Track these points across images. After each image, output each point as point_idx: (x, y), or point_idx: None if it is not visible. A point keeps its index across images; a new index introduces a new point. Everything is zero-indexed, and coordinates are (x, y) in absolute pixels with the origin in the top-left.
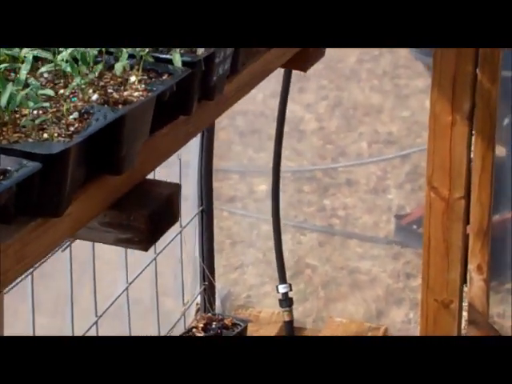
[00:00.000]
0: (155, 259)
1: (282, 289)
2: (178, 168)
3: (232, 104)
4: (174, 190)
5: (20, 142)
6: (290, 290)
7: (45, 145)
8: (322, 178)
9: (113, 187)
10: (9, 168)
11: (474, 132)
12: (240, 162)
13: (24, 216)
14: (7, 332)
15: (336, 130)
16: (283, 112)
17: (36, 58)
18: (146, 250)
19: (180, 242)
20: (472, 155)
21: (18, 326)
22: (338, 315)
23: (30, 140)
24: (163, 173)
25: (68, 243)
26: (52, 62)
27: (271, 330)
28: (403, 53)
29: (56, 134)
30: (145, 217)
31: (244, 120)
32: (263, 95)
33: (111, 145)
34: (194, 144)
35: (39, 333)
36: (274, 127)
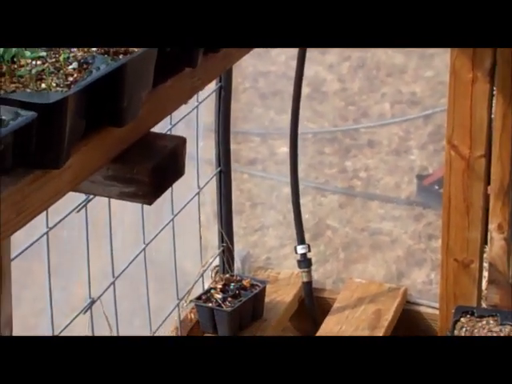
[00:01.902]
0: (172, 220)
1: (301, 249)
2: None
3: (240, 57)
4: (179, 142)
5: (17, 92)
6: (309, 250)
7: (42, 94)
8: (343, 140)
9: (115, 139)
10: (3, 117)
11: (495, 90)
12: (261, 124)
13: (24, 168)
14: (24, 293)
15: (358, 90)
16: (301, 73)
17: None
18: (150, 203)
19: (197, 203)
20: (493, 113)
21: (34, 288)
22: (359, 276)
23: (28, 90)
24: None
25: (83, 204)
26: None
27: (290, 291)
28: None
29: (54, 84)
30: (148, 170)
31: (266, 82)
32: (285, 56)
33: (112, 95)
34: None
35: (56, 295)
36: None
